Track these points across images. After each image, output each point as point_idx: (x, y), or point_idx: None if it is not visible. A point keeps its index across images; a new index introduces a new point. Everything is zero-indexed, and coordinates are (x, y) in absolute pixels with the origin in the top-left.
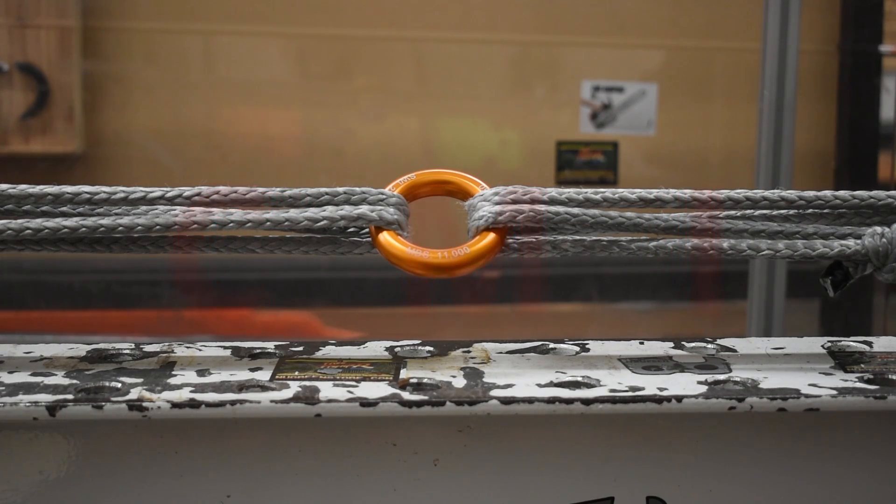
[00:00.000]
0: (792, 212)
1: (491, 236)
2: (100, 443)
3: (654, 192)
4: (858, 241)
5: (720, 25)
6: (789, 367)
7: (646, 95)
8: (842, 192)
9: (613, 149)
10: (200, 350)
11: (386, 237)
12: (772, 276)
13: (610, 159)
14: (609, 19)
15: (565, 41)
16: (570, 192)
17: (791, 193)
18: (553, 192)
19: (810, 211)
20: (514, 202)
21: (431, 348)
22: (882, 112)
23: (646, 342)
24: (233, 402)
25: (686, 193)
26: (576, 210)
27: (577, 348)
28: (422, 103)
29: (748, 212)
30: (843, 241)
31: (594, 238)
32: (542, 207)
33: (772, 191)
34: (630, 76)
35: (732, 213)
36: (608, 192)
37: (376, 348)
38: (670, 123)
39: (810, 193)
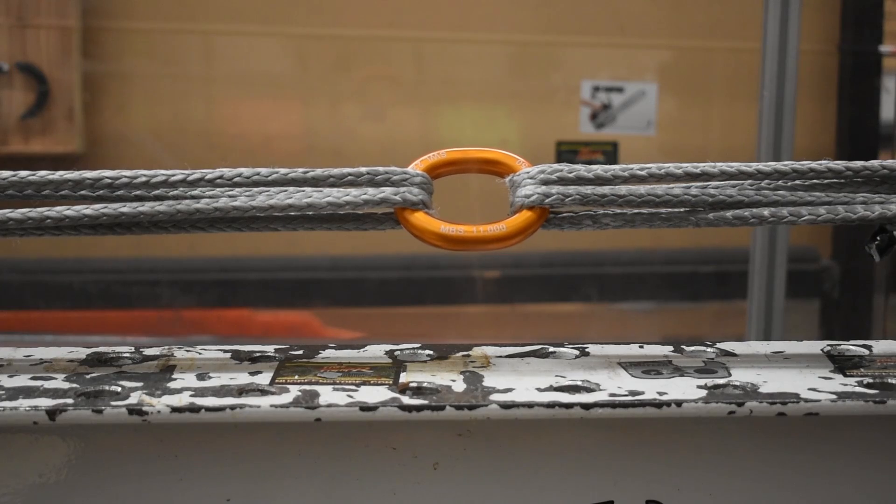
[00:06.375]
0: (839, 181)
1: (534, 213)
2: (100, 447)
3: (700, 167)
4: None
5: (720, 25)
6: (789, 371)
7: (645, 95)
8: (889, 161)
9: (613, 149)
10: (200, 354)
11: (414, 215)
12: (772, 277)
13: (610, 159)
14: (609, 19)
15: (565, 41)
16: (615, 168)
17: (838, 164)
18: (599, 169)
19: (856, 180)
20: (560, 181)
21: (431, 352)
22: (882, 112)
23: (645, 346)
24: (233, 407)
25: (733, 167)
26: (622, 190)
27: (577, 352)
28: (421, 104)
29: (796, 182)
30: (884, 205)
31: (635, 212)
32: (589, 189)
33: (818, 161)
34: (630, 76)
35: (780, 183)
36: (654, 168)
37: (376, 352)
38: (670, 123)
39: (857, 164)
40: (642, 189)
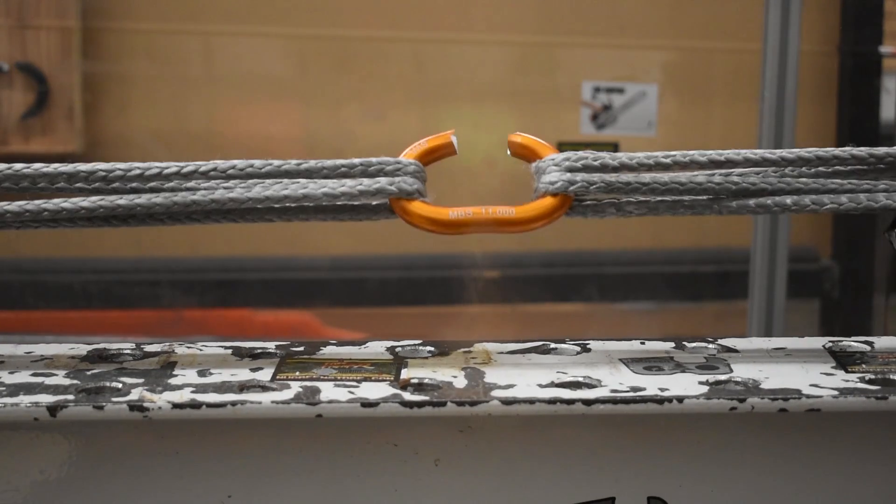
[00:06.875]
0: (862, 168)
1: (556, 200)
2: (100, 443)
3: (724, 154)
4: None
5: (720, 26)
6: (790, 367)
7: (646, 96)
8: None
9: (614, 150)
10: (201, 350)
11: (412, 204)
12: (772, 277)
13: None
14: (609, 19)
15: (566, 42)
16: (640, 156)
17: (862, 151)
18: (623, 157)
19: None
20: (585, 168)
21: (432, 348)
22: (882, 112)
23: (647, 342)
24: (234, 403)
25: (757, 154)
26: (647, 178)
27: (578, 348)
28: (422, 105)
29: (820, 169)
30: None
31: (659, 199)
32: (613, 178)
33: (842, 148)
34: (630, 77)
35: (804, 170)
36: (678, 155)
37: (377, 348)
38: (671, 124)
39: (881, 150)
40: (666, 177)
